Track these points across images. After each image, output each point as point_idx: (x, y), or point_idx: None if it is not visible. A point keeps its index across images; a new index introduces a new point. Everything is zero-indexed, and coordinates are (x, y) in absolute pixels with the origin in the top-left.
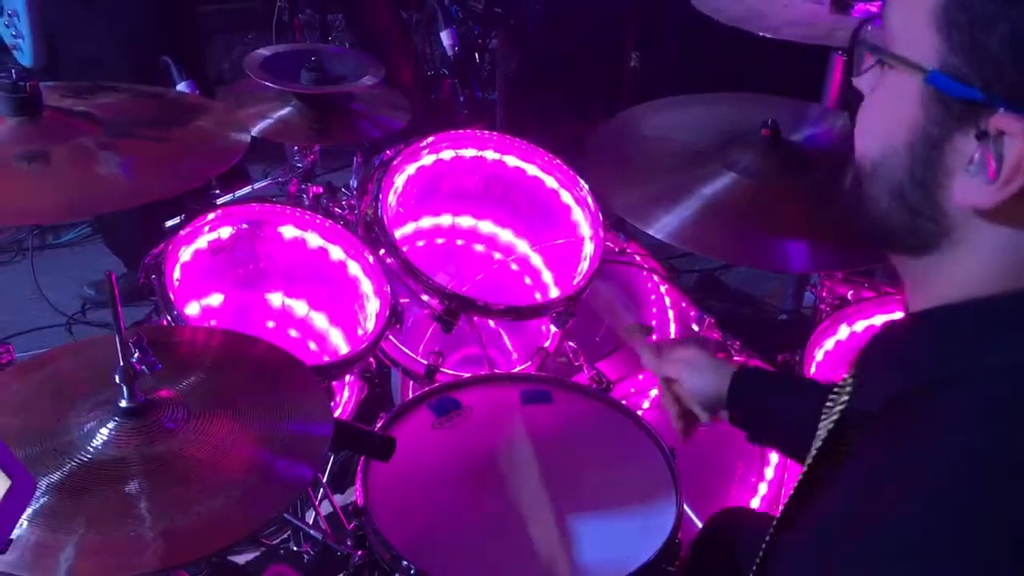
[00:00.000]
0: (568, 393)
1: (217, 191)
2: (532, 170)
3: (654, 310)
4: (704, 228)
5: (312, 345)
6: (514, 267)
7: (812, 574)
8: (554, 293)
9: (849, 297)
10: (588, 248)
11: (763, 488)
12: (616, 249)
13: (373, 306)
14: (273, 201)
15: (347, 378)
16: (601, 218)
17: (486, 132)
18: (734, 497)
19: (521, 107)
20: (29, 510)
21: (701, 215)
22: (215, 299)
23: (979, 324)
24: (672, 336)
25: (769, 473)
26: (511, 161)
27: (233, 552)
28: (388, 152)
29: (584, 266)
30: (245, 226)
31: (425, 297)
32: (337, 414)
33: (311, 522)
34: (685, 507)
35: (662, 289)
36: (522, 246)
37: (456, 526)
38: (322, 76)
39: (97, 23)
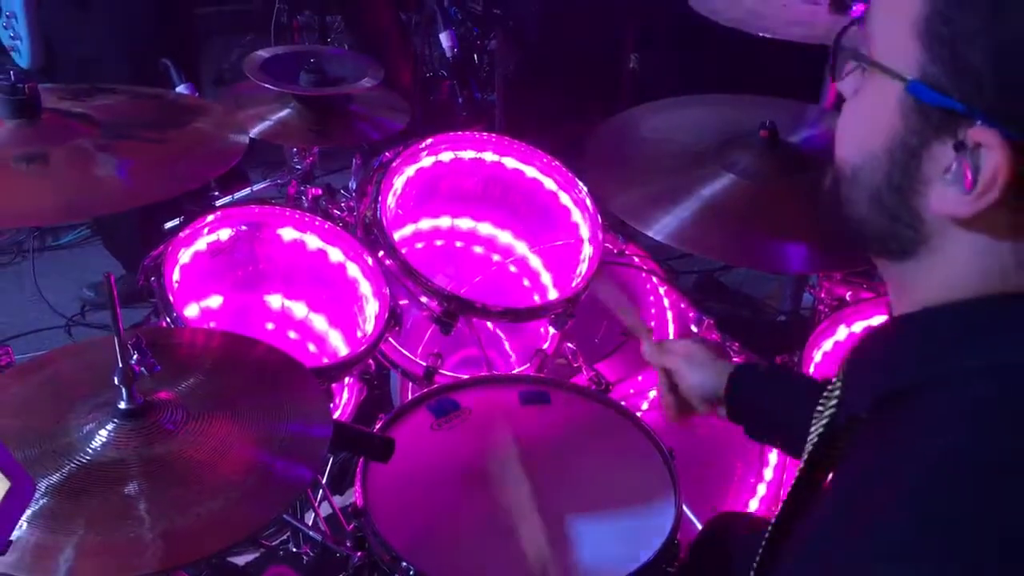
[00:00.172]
0: (567, 394)
1: (216, 193)
2: (531, 172)
3: (653, 311)
4: (703, 229)
5: (311, 347)
6: (513, 269)
7: (812, 575)
8: (553, 295)
9: (847, 298)
10: (587, 250)
11: (762, 489)
12: (615, 250)
13: (372, 308)
14: (272, 203)
15: (346, 380)
16: (600, 220)
17: (485, 134)
18: (733, 498)
19: (520, 108)
20: (29, 511)
21: (700, 216)
22: (214, 301)
23: (957, 328)
24: (671, 338)
25: (768, 474)
26: (510, 163)
27: (232, 553)
28: (387, 154)
29: (583, 268)
30: (244, 228)
31: (424, 299)
32: (336, 415)
33: (310, 523)
34: (684, 508)
35: (661, 290)
36: (521, 248)
37: (455, 527)
38: (321, 78)
39: (95, 24)
